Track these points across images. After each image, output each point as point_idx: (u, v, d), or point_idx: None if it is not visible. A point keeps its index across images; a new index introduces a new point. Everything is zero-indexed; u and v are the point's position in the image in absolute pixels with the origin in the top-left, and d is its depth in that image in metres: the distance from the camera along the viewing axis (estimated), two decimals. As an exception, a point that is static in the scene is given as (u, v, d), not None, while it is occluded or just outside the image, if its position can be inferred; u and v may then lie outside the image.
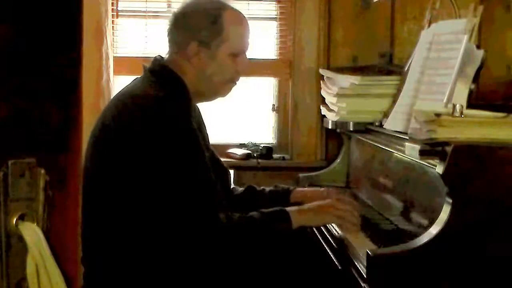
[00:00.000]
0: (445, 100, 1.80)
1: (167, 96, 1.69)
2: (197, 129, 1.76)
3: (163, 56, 1.85)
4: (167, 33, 1.84)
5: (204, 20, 1.77)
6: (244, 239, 1.68)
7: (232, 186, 2.10)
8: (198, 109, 1.96)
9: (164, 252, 1.62)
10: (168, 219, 1.60)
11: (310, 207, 1.82)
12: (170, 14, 1.86)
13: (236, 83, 1.88)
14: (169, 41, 1.83)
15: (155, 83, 1.75)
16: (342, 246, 1.83)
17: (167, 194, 1.60)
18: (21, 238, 0.97)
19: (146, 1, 2.88)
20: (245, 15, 1.87)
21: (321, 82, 2.73)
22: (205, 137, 1.93)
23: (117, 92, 1.84)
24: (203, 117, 1.99)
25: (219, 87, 1.85)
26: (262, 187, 2.09)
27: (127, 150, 1.62)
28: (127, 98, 1.72)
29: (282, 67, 2.94)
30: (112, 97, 1.93)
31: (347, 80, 2.47)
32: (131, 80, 1.85)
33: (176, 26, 1.81)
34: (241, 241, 1.67)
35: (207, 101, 1.93)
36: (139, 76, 1.84)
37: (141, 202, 1.61)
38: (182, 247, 1.61)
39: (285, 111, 2.98)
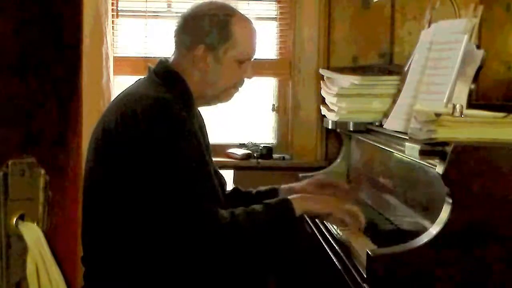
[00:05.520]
0: (445, 100, 1.80)
1: (171, 98, 1.69)
2: (199, 133, 1.75)
3: (168, 58, 1.84)
4: (173, 35, 1.83)
5: (213, 24, 1.77)
6: (248, 233, 1.64)
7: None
8: (201, 115, 1.96)
9: (165, 252, 1.62)
10: (167, 220, 1.60)
11: (313, 196, 1.83)
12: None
13: (238, 90, 1.87)
14: (176, 43, 1.83)
15: (159, 85, 1.75)
16: (342, 246, 1.84)
17: (166, 196, 1.60)
18: (21, 238, 0.97)
19: (146, 1, 2.88)
20: (250, 20, 1.85)
21: (321, 82, 2.73)
22: (206, 142, 1.92)
23: (119, 92, 1.83)
24: (204, 122, 1.97)
25: (222, 92, 1.84)
26: (249, 189, 2.05)
27: (129, 152, 1.61)
28: (130, 101, 1.70)
29: (282, 67, 2.94)
30: (114, 98, 1.92)
31: (347, 80, 2.47)
32: (135, 81, 1.84)
33: (185, 28, 1.81)
34: (245, 235, 1.64)
35: (209, 105, 1.92)
36: (143, 77, 1.84)
37: (141, 203, 1.61)
38: (183, 246, 1.61)
39: (285, 111, 2.98)
